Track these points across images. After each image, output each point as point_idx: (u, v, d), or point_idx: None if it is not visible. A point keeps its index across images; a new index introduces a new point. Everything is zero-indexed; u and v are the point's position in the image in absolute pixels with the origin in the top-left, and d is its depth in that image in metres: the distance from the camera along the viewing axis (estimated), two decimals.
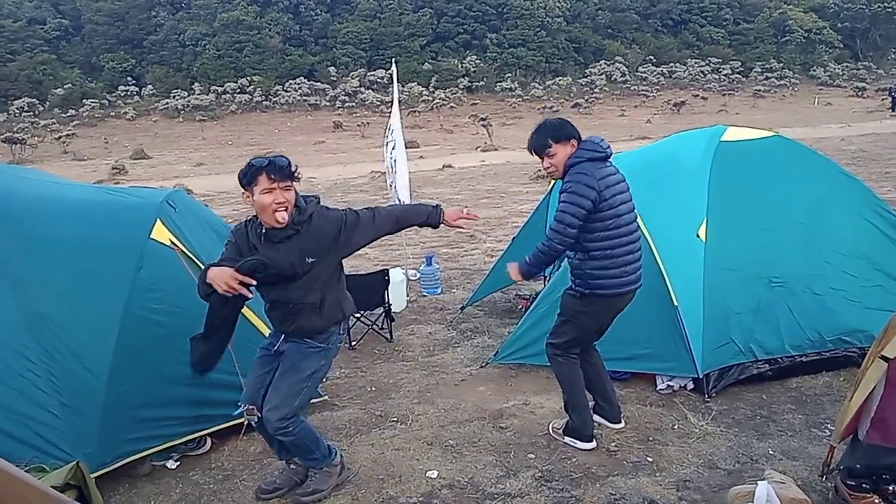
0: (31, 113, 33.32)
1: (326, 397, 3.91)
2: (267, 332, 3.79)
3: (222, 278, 2.55)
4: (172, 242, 3.53)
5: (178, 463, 3.33)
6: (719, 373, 3.78)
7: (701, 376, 3.70)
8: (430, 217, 2.94)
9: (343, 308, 2.89)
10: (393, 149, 6.29)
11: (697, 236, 3.99)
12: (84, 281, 3.24)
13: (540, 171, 3.37)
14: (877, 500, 2.63)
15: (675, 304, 3.81)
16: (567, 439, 3.36)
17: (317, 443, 2.95)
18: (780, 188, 4.25)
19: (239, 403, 2.94)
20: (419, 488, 3.03)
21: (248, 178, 2.63)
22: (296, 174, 2.64)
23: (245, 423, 3.44)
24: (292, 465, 3.06)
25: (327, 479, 3.00)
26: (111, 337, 3.11)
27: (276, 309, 2.85)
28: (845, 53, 48.19)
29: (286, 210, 2.62)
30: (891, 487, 2.64)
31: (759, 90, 39.56)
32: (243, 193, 2.68)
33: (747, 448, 3.23)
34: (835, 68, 45.00)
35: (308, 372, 2.83)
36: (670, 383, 3.88)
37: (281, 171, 2.58)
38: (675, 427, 3.46)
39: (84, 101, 35.50)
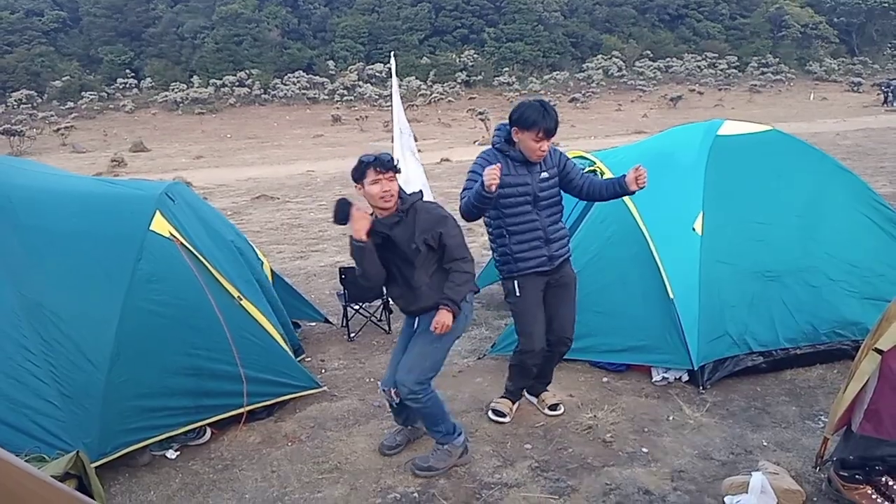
0: (30, 105, 33.15)
1: (325, 388, 3.94)
2: (270, 328, 3.83)
3: (358, 221, 2.91)
4: (172, 234, 3.54)
5: (178, 453, 3.35)
6: (714, 365, 3.81)
7: (696, 368, 3.73)
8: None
9: None
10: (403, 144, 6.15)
11: (693, 230, 4.01)
12: (83, 272, 3.26)
13: None
14: (869, 491, 2.66)
15: (671, 296, 3.84)
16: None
17: (443, 417, 3.15)
18: (776, 182, 4.28)
19: (382, 389, 3.23)
20: (417, 478, 3.06)
21: (359, 172, 2.97)
22: (396, 167, 2.99)
23: (245, 414, 3.49)
24: (410, 427, 3.37)
25: (446, 457, 3.11)
26: (111, 328, 3.13)
27: (401, 298, 3.15)
28: (841, 48, 48.14)
29: (391, 197, 2.96)
30: (883, 478, 2.67)
31: (755, 85, 39.53)
32: (356, 186, 3.02)
33: (741, 439, 3.26)
34: (831, 63, 44.95)
35: (439, 335, 3.01)
36: (665, 375, 3.91)
37: (384, 164, 2.93)
38: (670, 418, 3.49)
39: (83, 93, 35.31)
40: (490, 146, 3.36)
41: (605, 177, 4.57)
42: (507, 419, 3.52)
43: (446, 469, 3.09)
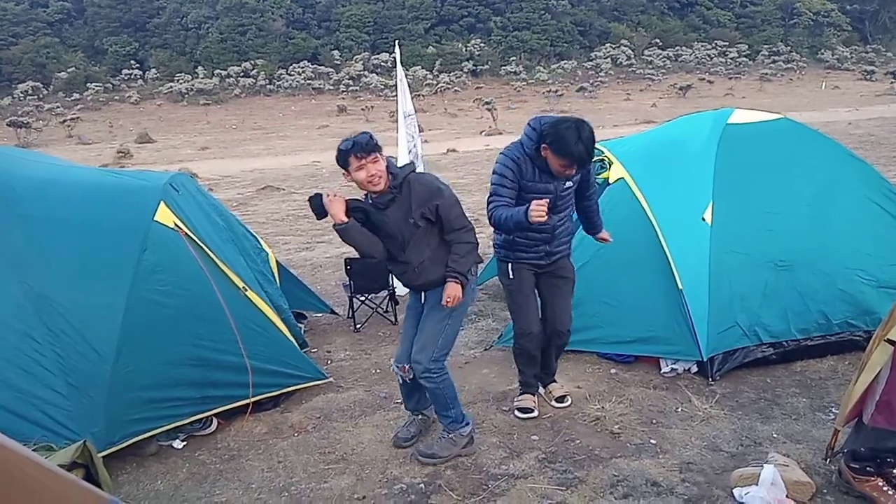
0: (36, 97, 33.29)
1: (331, 379, 3.93)
2: (275, 319, 3.82)
3: (333, 206, 2.89)
4: (176, 225, 3.53)
5: (185, 443, 3.36)
6: (724, 356, 3.77)
7: (705, 360, 3.69)
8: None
9: None
10: (413, 138, 6.04)
11: (703, 219, 3.97)
12: (89, 263, 3.25)
13: None
14: (880, 483, 2.63)
15: (680, 287, 3.80)
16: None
17: (454, 401, 3.12)
18: (787, 170, 4.22)
19: (395, 366, 3.19)
20: (423, 469, 3.04)
21: (341, 161, 2.91)
22: (377, 145, 2.88)
23: (251, 405, 3.49)
24: (420, 416, 3.33)
25: (450, 446, 3.09)
26: (117, 318, 3.13)
27: (405, 274, 3.06)
28: (854, 36, 47.59)
29: (380, 179, 2.88)
30: (895, 470, 2.64)
31: (766, 74, 39.17)
32: (343, 174, 2.94)
33: (751, 431, 3.23)
34: (843, 51, 44.45)
35: (447, 310, 2.98)
36: (674, 366, 3.88)
37: (364, 147, 2.84)
38: (679, 410, 3.46)
39: (88, 84, 35.41)
40: (517, 143, 3.19)
41: (612, 167, 4.53)
42: (534, 413, 3.47)
43: (450, 458, 3.08)
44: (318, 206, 2.95)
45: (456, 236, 2.95)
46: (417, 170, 3.18)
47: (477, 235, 3.07)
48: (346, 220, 2.88)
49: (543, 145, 3.07)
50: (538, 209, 2.81)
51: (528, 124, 3.19)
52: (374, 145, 2.86)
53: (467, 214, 3.05)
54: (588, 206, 3.47)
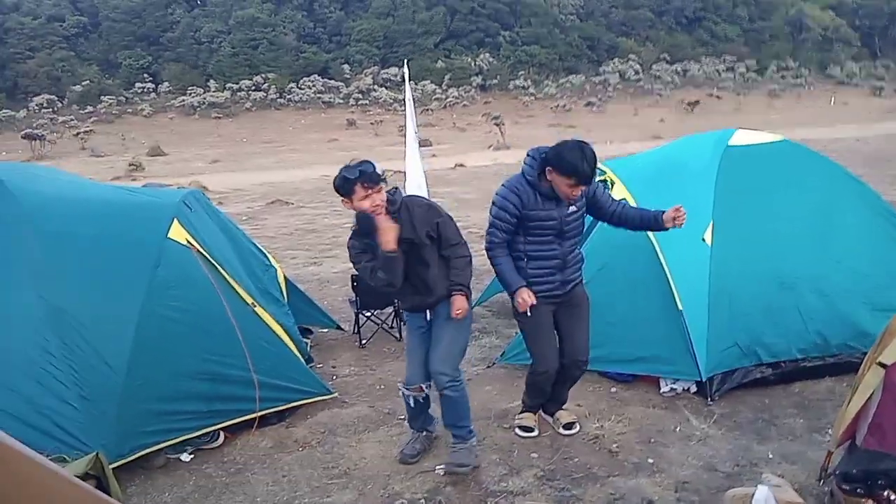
0: (50, 109, 33.78)
1: (336, 394, 4.00)
2: (283, 335, 3.91)
3: (388, 232, 2.89)
4: (189, 242, 3.64)
5: (192, 456, 3.43)
6: (722, 376, 3.82)
7: (704, 380, 3.74)
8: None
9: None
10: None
11: (703, 240, 4.03)
12: (102, 278, 3.36)
13: None
14: None
15: (680, 307, 3.86)
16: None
17: (469, 411, 3.24)
18: (787, 192, 4.28)
19: (406, 388, 3.23)
20: (424, 485, 3.11)
21: (345, 189, 2.93)
22: (383, 177, 2.96)
23: (257, 419, 3.57)
24: (424, 433, 3.39)
25: (470, 455, 3.19)
26: (129, 333, 3.23)
27: (417, 295, 3.14)
28: (863, 52, 47.46)
29: (382, 209, 2.95)
30: (885, 493, 2.68)
31: (775, 89, 39.17)
32: (342, 200, 3.00)
33: (747, 451, 3.27)
34: (852, 67, 44.37)
35: (460, 320, 3.12)
36: (673, 386, 3.93)
37: (372, 178, 2.90)
38: (677, 429, 3.51)
39: (102, 97, 35.90)
40: (518, 175, 3.25)
41: (615, 186, 4.61)
42: (535, 433, 3.51)
43: (473, 466, 3.17)
44: (366, 225, 2.96)
45: (453, 251, 3.10)
46: (418, 188, 3.27)
47: (480, 257, 3.17)
48: (397, 249, 2.92)
49: (548, 168, 3.14)
50: (525, 301, 3.16)
51: (528, 154, 3.27)
52: (380, 178, 2.94)
53: (472, 230, 3.17)
54: (625, 213, 3.42)
